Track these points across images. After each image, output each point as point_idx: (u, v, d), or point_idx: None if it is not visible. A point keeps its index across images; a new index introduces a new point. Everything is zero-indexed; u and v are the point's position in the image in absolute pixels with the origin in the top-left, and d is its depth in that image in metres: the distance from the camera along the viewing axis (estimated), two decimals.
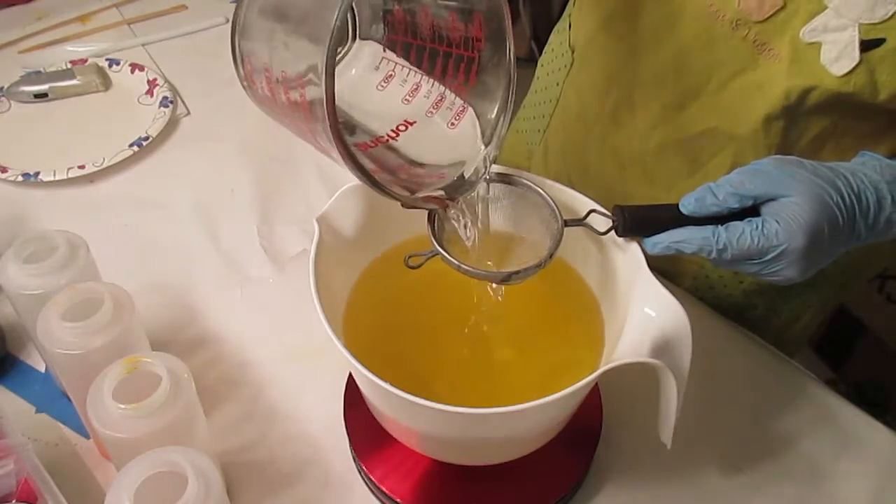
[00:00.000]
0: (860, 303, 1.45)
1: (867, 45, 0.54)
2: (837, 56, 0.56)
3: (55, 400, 0.66)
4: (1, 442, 0.53)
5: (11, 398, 0.67)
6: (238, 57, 0.46)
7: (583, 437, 0.61)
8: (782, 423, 0.66)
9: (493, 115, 0.52)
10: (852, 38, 0.54)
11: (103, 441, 0.52)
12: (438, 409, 0.45)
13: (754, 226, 0.49)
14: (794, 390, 0.68)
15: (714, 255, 0.50)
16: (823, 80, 0.57)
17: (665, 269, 0.79)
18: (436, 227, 0.52)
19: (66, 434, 0.64)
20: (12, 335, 0.71)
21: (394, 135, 0.51)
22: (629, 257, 0.53)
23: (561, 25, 0.83)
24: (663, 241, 0.51)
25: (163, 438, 0.49)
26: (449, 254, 0.51)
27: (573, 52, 0.77)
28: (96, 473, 0.62)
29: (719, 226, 0.50)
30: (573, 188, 0.56)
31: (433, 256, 0.52)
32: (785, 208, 0.48)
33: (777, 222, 0.48)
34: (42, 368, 0.69)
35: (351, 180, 0.57)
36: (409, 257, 0.52)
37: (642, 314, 0.49)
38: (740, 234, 0.49)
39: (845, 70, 0.56)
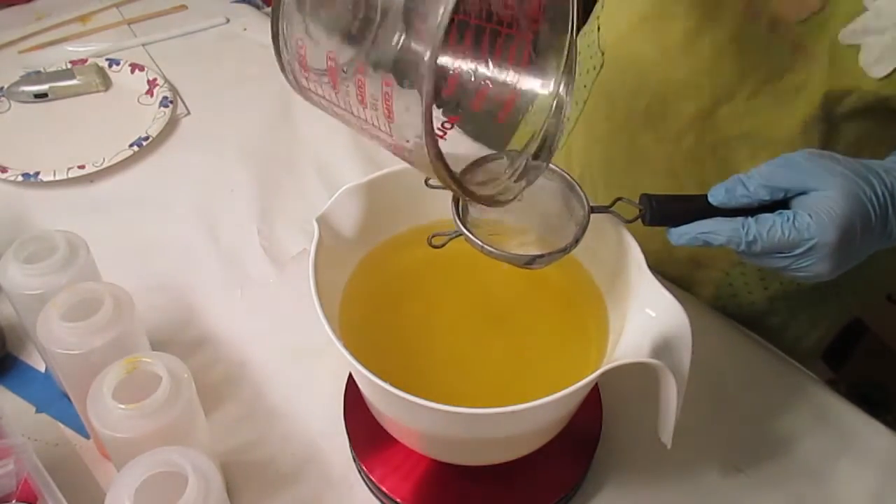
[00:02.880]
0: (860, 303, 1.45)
1: None
2: (877, 58, 0.55)
3: (55, 400, 0.66)
4: (1, 442, 0.53)
5: (11, 398, 0.67)
6: (282, 40, 0.44)
7: (583, 437, 0.61)
8: (782, 423, 0.66)
9: (554, 93, 0.50)
10: (893, 39, 0.54)
11: (103, 441, 0.52)
12: (438, 408, 0.45)
13: (785, 218, 0.48)
14: (794, 390, 0.68)
15: (743, 247, 0.49)
16: (862, 82, 0.57)
17: (687, 274, 0.78)
18: (460, 209, 0.52)
19: (66, 434, 0.64)
20: (12, 335, 0.71)
21: (441, 134, 0.50)
22: (630, 258, 0.53)
23: (588, 28, 0.82)
24: (690, 232, 0.50)
25: (163, 438, 0.49)
26: (473, 235, 0.50)
27: (603, 54, 0.76)
28: (96, 473, 0.62)
29: (749, 217, 0.49)
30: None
31: (457, 237, 0.51)
32: (817, 202, 0.47)
33: (809, 216, 0.47)
34: (42, 368, 0.69)
35: (350, 180, 0.57)
36: (433, 236, 0.51)
37: (642, 314, 0.49)
38: (771, 227, 0.48)
39: (885, 72, 0.55)
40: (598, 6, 0.80)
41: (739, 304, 0.77)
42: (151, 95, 0.98)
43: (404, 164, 0.52)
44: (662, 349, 0.47)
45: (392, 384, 0.46)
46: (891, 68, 0.55)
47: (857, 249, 0.49)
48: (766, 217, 0.48)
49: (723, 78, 0.64)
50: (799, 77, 0.60)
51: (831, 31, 0.56)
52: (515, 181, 0.51)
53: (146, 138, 0.90)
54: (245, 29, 1.12)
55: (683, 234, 0.50)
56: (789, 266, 0.50)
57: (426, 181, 0.54)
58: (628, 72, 0.73)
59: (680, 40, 0.66)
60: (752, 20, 0.59)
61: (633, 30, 0.71)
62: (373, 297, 0.59)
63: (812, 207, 0.47)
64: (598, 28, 0.78)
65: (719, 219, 0.49)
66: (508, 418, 0.47)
